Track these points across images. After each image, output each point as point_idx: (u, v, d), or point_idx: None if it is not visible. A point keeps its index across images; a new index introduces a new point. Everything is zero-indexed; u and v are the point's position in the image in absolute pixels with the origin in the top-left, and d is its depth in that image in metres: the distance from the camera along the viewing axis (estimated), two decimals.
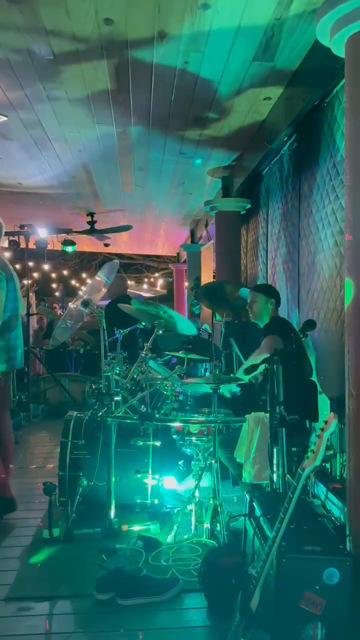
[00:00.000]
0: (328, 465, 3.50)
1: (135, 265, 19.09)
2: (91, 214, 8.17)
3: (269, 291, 3.96)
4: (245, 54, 3.41)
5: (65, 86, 3.92)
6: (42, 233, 8.08)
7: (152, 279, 19.62)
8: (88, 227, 8.27)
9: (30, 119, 4.58)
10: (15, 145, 5.25)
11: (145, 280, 19.44)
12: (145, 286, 18.62)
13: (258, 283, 5.78)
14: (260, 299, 3.84)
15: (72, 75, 3.74)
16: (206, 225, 8.51)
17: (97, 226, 8.31)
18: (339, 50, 2.44)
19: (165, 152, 5.44)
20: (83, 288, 3.53)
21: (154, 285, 19.26)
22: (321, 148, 3.96)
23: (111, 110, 4.38)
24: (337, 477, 3.40)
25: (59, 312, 11.06)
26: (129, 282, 7.42)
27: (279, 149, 4.83)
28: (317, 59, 3.23)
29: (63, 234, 8.54)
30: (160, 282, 19.42)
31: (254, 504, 2.29)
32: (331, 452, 3.50)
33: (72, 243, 8.59)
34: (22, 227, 7.50)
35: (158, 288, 18.93)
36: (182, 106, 4.28)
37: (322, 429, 1.68)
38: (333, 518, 3.04)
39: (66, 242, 8.57)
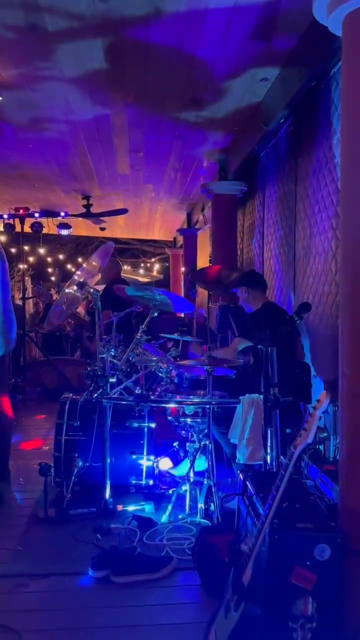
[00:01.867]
0: (321, 448, 3.53)
1: (131, 250, 19.01)
2: (87, 197, 8.12)
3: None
4: (242, 33, 3.37)
5: (60, 65, 3.87)
6: (37, 216, 8.03)
7: (148, 264, 19.56)
8: (84, 210, 8.22)
9: (25, 99, 4.53)
10: (10, 126, 5.20)
11: (142, 265, 19.38)
12: (141, 271, 18.59)
13: (252, 268, 5.78)
14: (240, 293, 3.88)
15: (67, 54, 3.69)
16: (202, 210, 8.47)
17: (92, 210, 8.26)
18: (337, 29, 2.41)
19: (161, 134, 5.39)
20: (78, 272, 3.52)
21: (150, 270, 19.22)
22: (318, 131, 3.93)
23: (107, 90, 4.33)
24: (331, 459, 3.43)
25: (55, 296, 11.04)
26: (124, 267, 7.40)
27: (275, 131, 4.80)
28: (315, 38, 3.20)
29: (58, 217, 8.48)
30: (156, 267, 19.37)
31: (247, 483, 2.32)
32: (325, 434, 3.54)
33: (68, 226, 8.54)
34: (17, 210, 7.45)
35: (154, 273, 18.90)
36: (178, 87, 4.24)
37: (315, 408, 1.69)
38: (326, 499, 3.08)
39: (62, 225, 8.52)
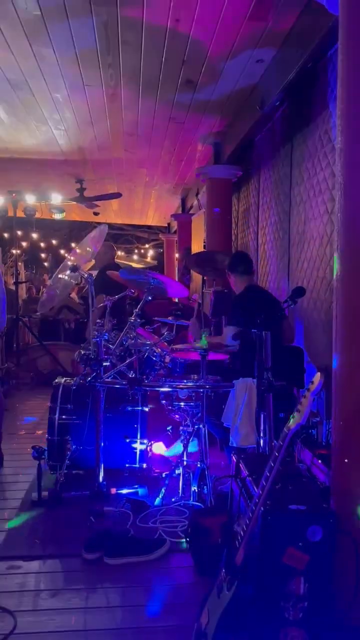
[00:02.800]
0: (314, 432, 3.55)
1: (125, 236, 18.92)
2: (80, 181, 8.04)
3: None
4: (238, 12, 3.31)
5: (52, 44, 3.81)
6: (30, 200, 7.95)
7: (142, 250, 19.48)
8: (77, 194, 8.15)
9: (17, 80, 4.46)
10: (2, 107, 5.12)
11: (136, 251, 19.31)
12: (135, 257, 18.51)
13: (247, 253, 5.76)
14: (230, 278, 3.84)
15: (59, 32, 3.62)
16: (197, 194, 8.42)
17: (86, 194, 8.19)
18: (334, 8, 2.37)
19: (155, 117, 5.33)
20: (72, 257, 3.48)
21: (144, 256, 19.15)
22: (313, 114, 3.90)
23: (100, 71, 4.27)
24: (323, 444, 3.45)
25: (48, 282, 10.99)
26: (118, 252, 7.36)
27: (271, 114, 4.76)
28: (312, 18, 3.16)
29: (51, 201, 8.41)
30: (150, 253, 19.30)
31: (240, 465, 2.33)
32: (317, 419, 3.55)
33: (61, 210, 8.47)
34: (10, 193, 7.37)
35: (148, 259, 18.84)
36: (173, 68, 4.18)
37: (309, 389, 1.69)
38: (318, 482, 3.10)
39: (55, 209, 8.46)
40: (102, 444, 3.49)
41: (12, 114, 5.32)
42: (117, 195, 8.35)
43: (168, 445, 4.03)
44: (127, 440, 3.67)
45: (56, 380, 3.87)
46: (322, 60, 3.62)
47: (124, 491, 3.50)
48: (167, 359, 3.76)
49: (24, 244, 14.31)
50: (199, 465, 3.36)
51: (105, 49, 3.87)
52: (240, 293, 3.77)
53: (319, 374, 1.71)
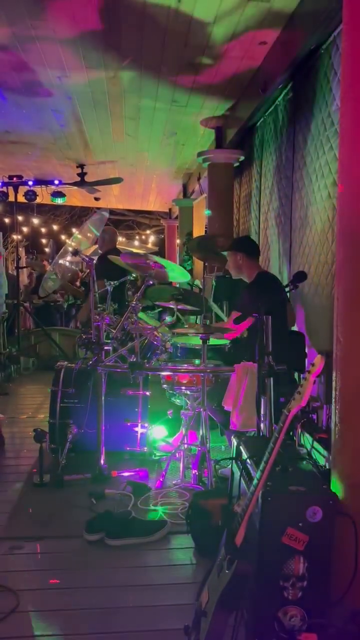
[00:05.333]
0: (314, 417, 3.56)
1: (126, 222, 18.84)
2: (81, 166, 7.99)
3: (235, 246, 3.78)
4: None
5: (53, 24, 3.76)
6: (31, 184, 7.90)
7: (143, 236, 19.42)
8: (78, 179, 8.10)
9: (17, 61, 4.41)
10: (2, 89, 5.07)
11: (137, 237, 19.24)
12: (136, 243, 18.46)
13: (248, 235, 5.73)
14: (230, 258, 3.76)
15: (60, 12, 3.58)
16: (199, 179, 8.36)
17: (87, 178, 8.14)
18: None
19: (157, 100, 5.29)
20: (72, 243, 3.46)
21: (145, 242, 19.08)
22: (316, 97, 3.86)
23: (101, 53, 4.22)
24: (323, 428, 3.47)
25: (48, 268, 10.97)
26: (119, 238, 7.33)
27: (273, 98, 4.71)
28: None
29: (52, 186, 8.36)
30: (151, 238, 19.23)
31: (240, 447, 2.34)
32: (317, 403, 3.57)
33: (62, 195, 8.42)
34: (10, 178, 7.33)
35: (149, 245, 18.77)
36: (175, 50, 4.14)
37: (310, 371, 1.70)
38: (318, 465, 3.12)
39: (56, 194, 8.41)
40: (104, 427, 3.51)
41: (12, 97, 5.27)
42: (119, 180, 8.29)
43: (169, 428, 4.05)
44: (128, 424, 3.68)
45: (58, 364, 3.88)
46: (325, 42, 3.58)
47: (125, 474, 3.53)
48: (168, 343, 3.76)
49: (25, 229, 14.27)
50: (199, 448, 3.38)
51: (107, 30, 3.82)
52: (255, 280, 3.70)
53: (319, 356, 1.72)
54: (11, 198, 7.54)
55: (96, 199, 10.33)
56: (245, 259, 3.69)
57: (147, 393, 3.77)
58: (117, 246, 6.09)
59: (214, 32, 3.81)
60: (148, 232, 19.41)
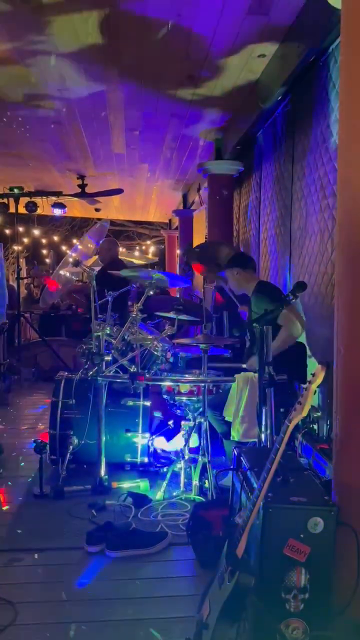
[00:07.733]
0: (315, 427, 3.56)
1: (126, 233, 18.92)
2: (82, 177, 8.04)
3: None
4: (239, 7, 3.31)
5: (54, 39, 3.80)
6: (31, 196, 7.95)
7: (143, 247, 19.48)
8: (79, 190, 8.15)
9: (19, 75, 4.45)
10: (3, 102, 5.11)
11: (137, 247, 19.30)
12: (137, 253, 18.51)
13: (248, 250, 5.76)
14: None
15: (61, 27, 3.62)
16: (199, 190, 8.41)
17: (87, 190, 8.19)
18: (336, 1, 2.37)
19: (157, 112, 5.33)
20: (73, 254, 3.48)
21: (145, 252, 19.13)
22: (315, 109, 3.89)
23: (102, 66, 4.26)
24: (324, 438, 3.46)
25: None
26: (120, 249, 7.35)
27: (272, 110, 4.75)
28: (314, 12, 3.15)
29: (53, 197, 8.41)
30: (152, 249, 19.30)
31: (241, 458, 2.33)
32: (318, 413, 3.56)
33: (62, 206, 8.47)
34: (11, 189, 7.37)
35: (150, 255, 18.82)
36: (175, 63, 4.18)
37: (310, 382, 1.70)
38: (319, 476, 3.11)
39: (56, 205, 8.45)
40: (104, 438, 3.50)
41: (15, 110, 5.31)
42: (119, 191, 8.34)
43: (169, 439, 4.04)
44: (129, 435, 3.68)
45: (59, 374, 3.88)
46: (323, 55, 3.62)
47: (126, 485, 3.52)
48: (169, 354, 3.77)
49: (25, 240, 14.31)
50: (200, 459, 3.37)
51: (107, 44, 3.86)
52: (258, 289, 3.71)
53: (320, 366, 1.72)
54: (12, 210, 7.59)
55: (97, 210, 10.37)
56: (241, 272, 3.75)
57: (148, 403, 3.77)
58: (118, 257, 6.11)
59: (213, 45, 3.85)
60: (148, 242, 19.47)
